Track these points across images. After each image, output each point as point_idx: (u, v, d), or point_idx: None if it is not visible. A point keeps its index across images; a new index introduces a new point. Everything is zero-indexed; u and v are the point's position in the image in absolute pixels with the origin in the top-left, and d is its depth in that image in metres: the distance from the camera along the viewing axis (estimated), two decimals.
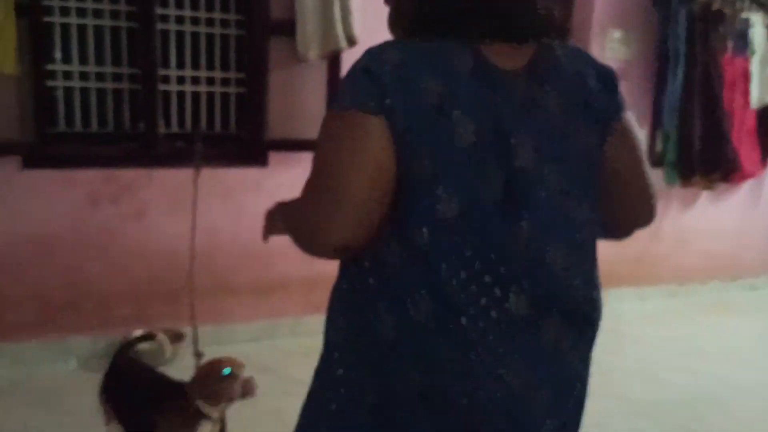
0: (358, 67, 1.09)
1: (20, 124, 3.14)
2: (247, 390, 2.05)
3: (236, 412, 2.24)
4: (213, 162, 3.45)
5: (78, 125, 3.36)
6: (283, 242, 1.34)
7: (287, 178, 3.65)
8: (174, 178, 3.44)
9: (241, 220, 3.60)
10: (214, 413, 2.05)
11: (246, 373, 2.07)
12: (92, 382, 3.15)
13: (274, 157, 3.62)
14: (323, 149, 1.11)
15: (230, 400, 2.05)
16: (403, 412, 1.12)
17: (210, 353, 2.99)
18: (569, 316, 1.13)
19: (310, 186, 1.12)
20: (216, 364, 2.09)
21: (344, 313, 1.20)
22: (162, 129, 3.45)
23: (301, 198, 1.15)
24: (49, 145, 3.22)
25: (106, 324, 3.46)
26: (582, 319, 1.17)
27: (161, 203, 3.45)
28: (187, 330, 3.43)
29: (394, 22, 1.21)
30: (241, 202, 3.58)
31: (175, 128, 3.54)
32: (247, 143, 3.59)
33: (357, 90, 1.07)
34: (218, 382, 2.03)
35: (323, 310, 1.25)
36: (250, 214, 3.59)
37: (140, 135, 3.42)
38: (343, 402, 1.19)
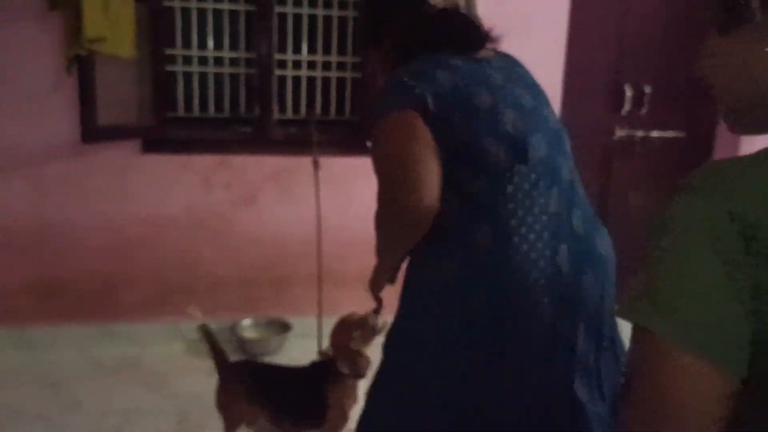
0: (389, 84, 1.47)
1: (139, 109, 3.16)
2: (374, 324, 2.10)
3: None
4: (326, 149, 3.37)
5: (195, 110, 3.37)
6: None
7: None
8: (285, 165, 3.38)
9: (350, 210, 3.50)
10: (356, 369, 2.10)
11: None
12: (198, 365, 3.21)
13: None
14: (389, 144, 1.42)
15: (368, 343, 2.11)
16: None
17: (316, 345, 2.94)
18: None
19: (393, 173, 1.41)
20: (343, 323, 2.16)
21: (421, 272, 1.50)
22: (276, 114, 3.39)
23: (388, 182, 1.43)
24: (168, 129, 3.23)
25: (216, 308, 3.46)
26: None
27: (272, 189, 3.40)
28: (292, 320, 3.40)
29: (391, 62, 1.56)
30: (350, 190, 3.48)
31: (289, 114, 3.48)
32: (360, 129, 3.47)
33: (393, 97, 1.42)
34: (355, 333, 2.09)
35: None
36: (359, 203, 3.48)
37: (255, 120, 3.38)
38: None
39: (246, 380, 2.20)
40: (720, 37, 0.82)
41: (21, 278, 3.23)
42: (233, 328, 3.38)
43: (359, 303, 3.62)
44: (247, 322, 3.45)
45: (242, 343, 3.33)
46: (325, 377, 2.15)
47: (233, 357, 3.27)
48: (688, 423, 0.71)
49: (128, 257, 3.32)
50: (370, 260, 1.91)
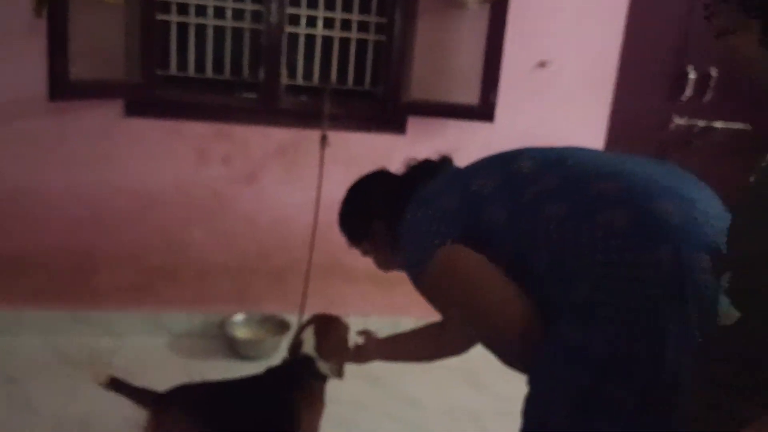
0: (422, 228, 1.43)
1: (126, 63, 2.71)
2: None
3: None
4: (341, 123, 2.90)
5: (190, 69, 2.91)
6: None
7: (425, 150, 2.98)
8: (293, 139, 2.92)
9: None
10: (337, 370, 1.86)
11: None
12: (180, 364, 2.78)
13: (412, 122, 3.01)
14: (460, 281, 1.36)
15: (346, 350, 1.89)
16: None
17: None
18: None
19: (476, 315, 1.36)
20: (323, 322, 1.90)
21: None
22: (285, 80, 2.92)
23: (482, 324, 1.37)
24: (157, 89, 2.77)
25: (204, 299, 3.03)
26: None
27: (276, 167, 2.94)
28: (292, 318, 2.96)
29: (389, 234, 1.58)
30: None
31: (299, 80, 3.01)
32: (382, 104, 2.99)
33: (437, 230, 1.39)
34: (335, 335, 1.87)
35: None
36: None
37: (259, 85, 2.90)
38: None
39: (189, 410, 1.72)
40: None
41: None
42: (223, 325, 2.94)
43: (370, 301, 3.16)
44: (239, 318, 3.01)
45: (232, 343, 2.88)
46: (293, 384, 1.82)
47: (220, 358, 2.87)
48: None
49: (107, 235, 2.88)
50: None
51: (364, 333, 1.95)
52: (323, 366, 1.83)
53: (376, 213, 1.63)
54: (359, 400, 2.59)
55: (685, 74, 3.32)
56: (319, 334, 1.86)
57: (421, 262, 1.40)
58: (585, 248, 1.24)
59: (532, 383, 1.32)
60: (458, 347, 1.68)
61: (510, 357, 1.39)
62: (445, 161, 1.69)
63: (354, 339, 1.92)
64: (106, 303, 2.95)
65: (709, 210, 1.28)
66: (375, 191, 1.69)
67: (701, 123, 3.41)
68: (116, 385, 1.71)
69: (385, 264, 1.76)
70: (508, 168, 1.44)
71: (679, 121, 3.41)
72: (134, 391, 1.72)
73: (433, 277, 1.39)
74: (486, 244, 1.34)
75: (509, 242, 1.32)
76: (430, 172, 1.60)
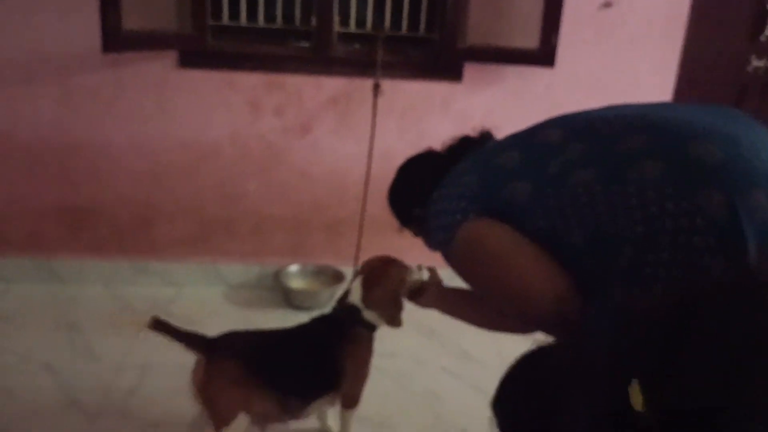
0: (445, 206, 1.37)
1: (178, 14, 2.68)
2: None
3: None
4: (395, 71, 2.82)
5: (242, 18, 2.86)
6: None
7: (483, 98, 2.93)
8: (346, 88, 2.85)
9: (421, 145, 2.93)
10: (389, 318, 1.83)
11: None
12: (237, 315, 2.81)
13: (469, 69, 2.90)
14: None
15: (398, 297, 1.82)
16: None
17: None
18: None
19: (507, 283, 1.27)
20: (373, 269, 1.87)
21: None
22: (337, 27, 2.85)
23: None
24: (209, 39, 2.75)
25: (260, 251, 3.04)
26: None
27: (329, 117, 2.89)
28: (347, 270, 2.94)
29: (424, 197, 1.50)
30: (423, 122, 2.94)
31: (352, 27, 2.92)
32: (438, 50, 2.88)
33: (458, 207, 1.33)
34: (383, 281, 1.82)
35: None
36: (432, 138, 2.93)
37: (312, 33, 2.84)
38: None
39: (238, 358, 1.71)
40: None
41: (47, 203, 2.88)
42: (278, 275, 2.95)
43: (427, 253, 3.10)
44: (293, 269, 3.01)
45: (287, 294, 2.89)
46: (338, 333, 1.81)
47: (275, 308, 2.88)
48: None
49: (164, 186, 2.91)
50: None
51: (431, 270, 1.86)
52: (369, 314, 1.80)
53: (416, 201, 1.58)
54: (415, 353, 2.57)
55: (765, 11, 3.08)
56: (366, 281, 1.83)
57: (447, 240, 1.34)
58: (620, 210, 1.14)
59: None
60: (518, 326, 1.53)
61: (549, 331, 1.27)
62: (485, 137, 1.60)
63: (418, 276, 1.84)
64: (165, 254, 3.00)
65: (758, 144, 1.16)
66: (414, 179, 1.67)
67: None
68: (159, 325, 1.71)
69: (433, 245, 1.71)
70: (533, 140, 1.35)
71: (757, 63, 3.18)
72: (181, 335, 1.72)
73: (460, 254, 1.33)
74: (510, 221, 1.26)
75: (537, 217, 1.24)
76: (468, 150, 1.53)
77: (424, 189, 1.53)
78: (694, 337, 0.87)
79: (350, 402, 1.87)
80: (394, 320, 1.82)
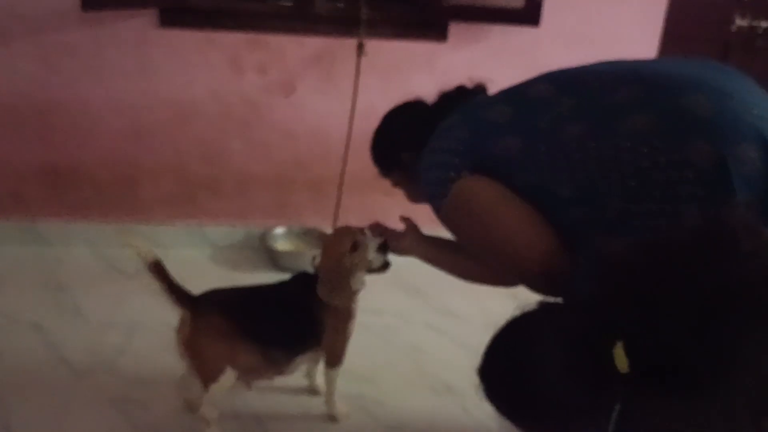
0: (437, 160, 1.40)
1: None
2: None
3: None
4: (378, 30, 2.80)
5: None
6: None
7: (467, 56, 2.91)
8: (329, 47, 2.83)
9: None
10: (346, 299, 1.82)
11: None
12: (223, 276, 2.82)
13: (454, 28, 2.88)
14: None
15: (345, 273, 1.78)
16: None
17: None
18: None
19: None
20: (338, 232, 1.86)
21: None
22: None
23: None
24: None
25: (245, 212, 3.05)
26: None
27: (312, 76, 2.87)
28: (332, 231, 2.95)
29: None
30: (407, 82, 2.92)
31: None
32: (422, 8, 2.85)
33: (451, 163, 1.35)
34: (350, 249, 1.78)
35: None
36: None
37: None
38: None
39: (223, 313, 1.74)
40: None
41: (29, 164, 2.86)
42: (264, 237, 2.96)
43: (412, 213, 3.12)
44: (279, 231, 3.03)
45: (273, 255, 2.91)
46: (310, 291, 1.80)
47: (261, 270, 2.90)
48: None
49: (147, 146, 2.89)
50: None
51: (406, 220, 1.85)
52: (320, 288, 1.78)
53: (405, 145, 1.59)
54: (400, 310, 2.61)
55: None
56: (325, 248, 1.82)
57: (440, 196, 1.37)
58: (611, 163, 1.16)
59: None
60: (501, 279, 1.57)
61: (536, 287, 1.34)
62: (479, 89, 1.60)
63: (372, 252, 1.79)
64: (150, 215, 3.00)
65: (749, 99, 1.17)
66: (404, 123, 1.66)
67: (765, 23, 3.19)
68: (158, 270, 1.71)
69: (413, 196, 1.71)
70: (523, 95, 1.37)
71: (740, 22, 3.18)
72: (172, 286, 1.73)
73: (452, 210, 1.36)
74: (501, 176, 1.29)
75: (528, 172, 1.27)
76: (461, 100, 1.53)
77: (413, 134, 1.54)
78: (667, 286, 0.90)
79: (332, 360, 1.90)
80: (336, 299, 1.79)
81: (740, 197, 1.09)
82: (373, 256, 1.78)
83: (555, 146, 1.24)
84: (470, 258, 1.58)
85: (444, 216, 1.40)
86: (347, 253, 1.76)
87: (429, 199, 1.43)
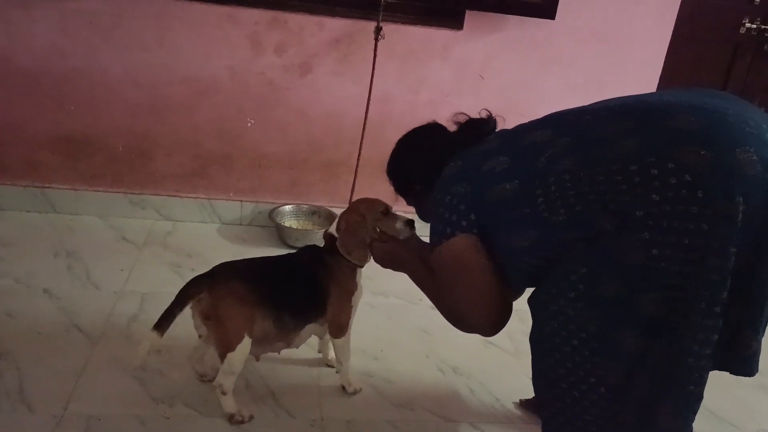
0: (438, 210, 1.53)
1: None
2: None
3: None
4: (397, 15, 2.83)
5: None
6: None
7: (483, 46, 2.95)
8: (348, 30, 2.86)
9: (420, 90, 2.99)
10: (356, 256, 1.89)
11: None
12: (231, 250, 2.86)
13: (470, 17, 2.91)
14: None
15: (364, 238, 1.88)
16: None
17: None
18: None
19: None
20: (368, 199, 1.95)
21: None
22: None
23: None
24: None
25: (256, 189, 3.08)
26: None
27: (330, 58, 2.90)
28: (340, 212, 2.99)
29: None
30: (423, 68, 2.96)
31: None
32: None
33: (449, 219, 1.50)
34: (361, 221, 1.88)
35: None
36: (431, 84, 2.97)
37: None
38: None
39: (241, 279, 1.79)
40: None
41: (44, 131, 2.87)
42: (272, 214, 3.00)
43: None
44: (288, 208, 3.06)
45: (281, 232, 2.95)
46: (320, 260, 1.92)
47: (268, 246, 2.94)
48: None
49: (163, 120, 2.92)
50: None
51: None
52: (340, 242, 1.88)
53: (418, 179, 1.71)
54: (406, 293, 2.64)
55: None
56: (341, 214, 1.94)
57: (435, 243, 1.53)
58: (605, 186, 1.23)
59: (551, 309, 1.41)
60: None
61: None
62: (490, 122, 1.70)
63: (401, 223, 1.88)
64: (162, 187, 3.02)
65: (744, 115, 1.23)
66: (418, 158, 1.74)
67: None
68: (164, 326, 1.73)
69: (424, 217, 1.77)
70: (521, 142, 1.47)
71: (750, 25, 3.24)
72: (180, 303, 1.76)
73: (439, 261, 1.53)
74: (496, 221, 1.43)
75: (522, 206, 1.37)
76: (473, 134, 1.65)
77: (426, 168, 1.66)
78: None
79: (337, 330, 1.94)
80: (352, 254, 1.88)
81: (737, 198, 1.13)
82: (400, 227, 1.88)
83: (549, 180, 1.33)
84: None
85: (432, 258, 1.55)
86: (378, 215, 1.87)
87: (430, 238, 1.56)
